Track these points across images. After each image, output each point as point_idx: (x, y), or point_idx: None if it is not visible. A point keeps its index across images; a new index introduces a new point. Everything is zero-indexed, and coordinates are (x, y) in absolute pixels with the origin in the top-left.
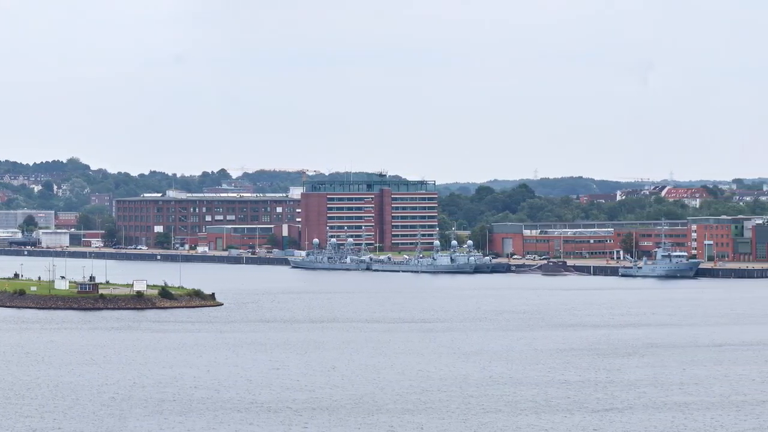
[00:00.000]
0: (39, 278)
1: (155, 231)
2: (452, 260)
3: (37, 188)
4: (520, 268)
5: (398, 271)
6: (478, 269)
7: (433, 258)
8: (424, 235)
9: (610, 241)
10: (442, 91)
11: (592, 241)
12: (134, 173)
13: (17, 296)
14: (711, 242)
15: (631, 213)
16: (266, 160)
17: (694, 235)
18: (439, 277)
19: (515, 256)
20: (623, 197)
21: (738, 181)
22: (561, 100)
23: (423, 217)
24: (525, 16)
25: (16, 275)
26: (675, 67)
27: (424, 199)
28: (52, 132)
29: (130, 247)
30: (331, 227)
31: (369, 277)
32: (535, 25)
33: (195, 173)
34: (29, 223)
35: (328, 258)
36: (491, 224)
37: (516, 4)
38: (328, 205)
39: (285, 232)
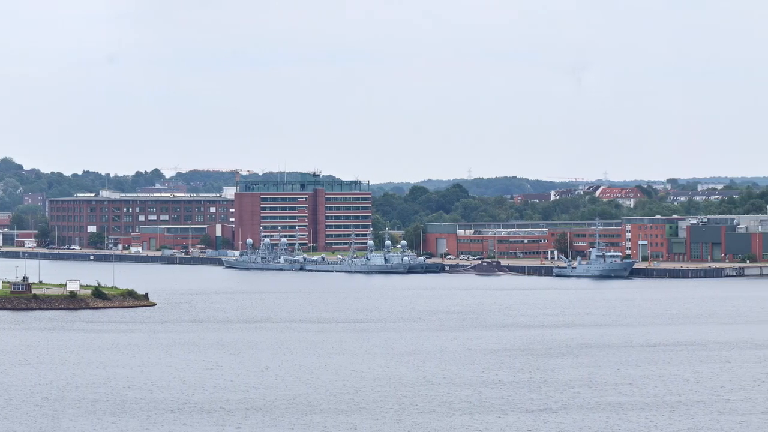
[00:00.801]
0: None
1: (88, 231)
2: (386, 260)
3: None
4: (454, 268)
5: (332, 272)
6: (411, 269)
7: (367, 258)
8: (357, 235)
9: (544, 241)
10: (376, 91)
11: (526, 241)
12: (67, 173)
13: None
14: (645, 242)
15: (566, 213)
16: (200, 160)
17: (628, 235)
18: (373, 277)
19: (449, 256)
20: (557, 197)
21: (672, 181)
22: (495, 100)
23: (357, 217)
24: (460, 16)
25: None
26: (610, 68)
27: (357, 199)
28: None
29: (63, 247)
30: (265, 227)
31: (303, 277)
32: (470, 25)
33: (128, 173)
34: None
35: (262, 258)
36: (425, 224)
37: (452, 4)
38: (261, 205)
39: (218, 232)
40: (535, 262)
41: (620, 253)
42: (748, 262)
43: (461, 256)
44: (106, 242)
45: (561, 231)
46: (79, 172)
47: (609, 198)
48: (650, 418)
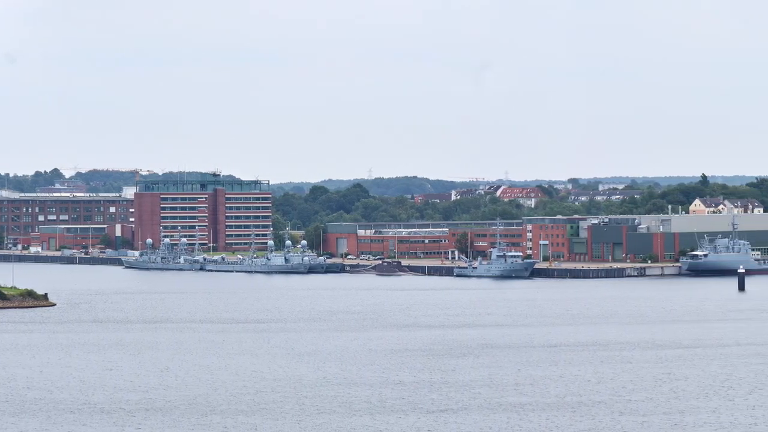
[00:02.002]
0: None
1: None
2: (286, 260)
3: None
4: (355, 268)
5: (232, 272)
6: (312, 269)
7: (267, 258)
8: (258, 235)
9: (444, 241)
10: (276, 90)
11: (426, 241)
12: None
13: None
14: (546, 242)
15: (466, 213)
16: (100, 160)
17: (529, 235)
18: (273, 277)
19: (349, 256)
20: (458, 197)
21: (573, 181)
22: (396, 99)
23: (257, 217)
24: (361, 16)
25: None
26: (511, 67)
27: (258, 198)
28: None
29: None
30: (165, 227)
31: (203, 277)
32: (370, 24)
33: (27, 173)
34: None
35: (162, 258)
36: (325, 224)
37: (352, 4)
38: (161, 205)
39: (118, 232)
40: (436, 262)
41: (521, 253)
42: (649, 262)
43: (362, 256)
44: (5, 242)
45: (462, 231)
46: None
47: (510, 198)
48: (551, 418)
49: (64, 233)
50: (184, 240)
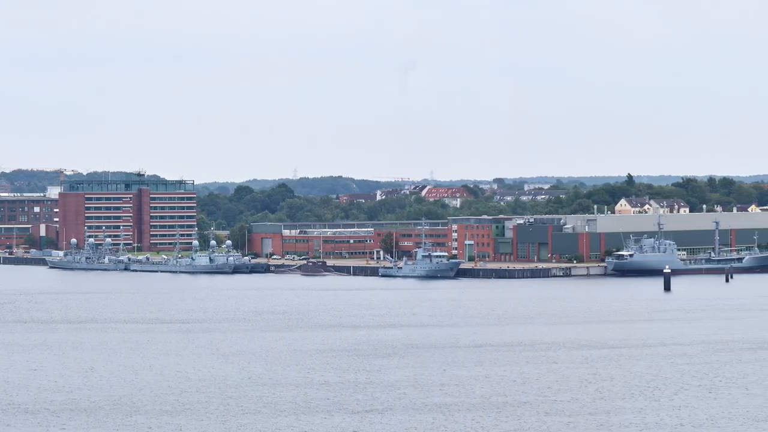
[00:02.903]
0: None
1: None
2: (211, 260)
3: None
4: (280, 269)
5: (156, 272)
6: (237, 269)
7: (192, 258)
8: (182, 235)
9: (370, 241)
10: (202, 89)
11: (352, 241)
12: None
13: None
14: (472, 242)
15: (392, 213)
16: (24, 160)
17: (454, 235)
18: (198, 277)
19: (274, 256)
20: (383, 197)
21: (499, 181)
22: (321, 99)
23: (182, 217)
24: (289, 15)
25: None
26: (436, 67)
27: (182, 198)
28: None
29: None
30: (89, 227)
31: (127, 277)
32: (296, 24)
33: None
34: None
35: (86, 258)
36: (250, 224)
37: (277, 3)
38: (86, 205)
39: (42, 232)
40: (361, 262)
41: (446, 253)
42: (575, 262)
43: (287, 256)
44: None
45: (387, 231)
46: None
47: (435, 198)
48: (476, 419)
49: None
50: (108, 240)
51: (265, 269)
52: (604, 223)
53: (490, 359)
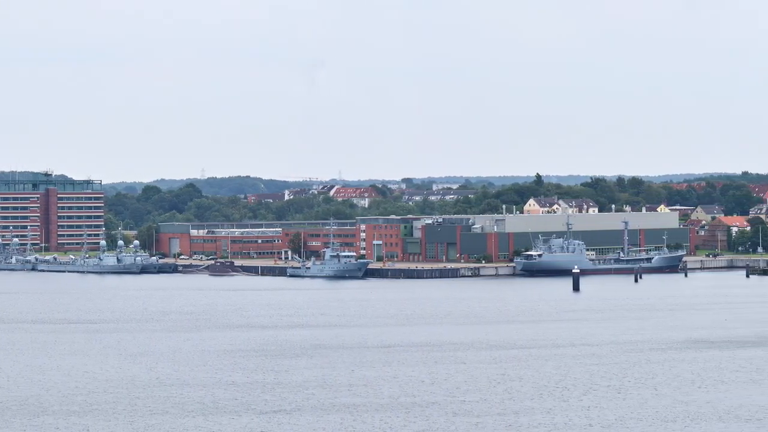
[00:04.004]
0: None
1: None
2: (119, 260)
3: None
4: (187, 269)
5: (64, 272)
6: (144, 269)
7: (100, 258)
8: (90, 235)
9: (278, 241)
10: (108, 89)
11: (259, 241)
12: None
13: None
14: (380, 242)
15: (300, 213)
16: None
17: (363, 234)
18: (106, 277)
19: (182, 256)
20: (291, 197)
21: (407, 181)
22: (229, 99)
23: (89, 217)
24: (196, 14)
25: None
26: (344, 67)
27: (90, 198)
28: None
29: None
30: None
31: (34, 277)
32: (204, 23)
33: None
34: None
35: None
36: (158, 224)
37: (186, 3)
38: None
39: None
40: (269, 262)
41: (355, 253)
42: (483, 262)
43: (194, 256)
44: None
45: (295, 231)
46: None
47: (343, 198)
48: (385, 419)
49: None
50: (15, 240)
51: (173, 269)
52: (513, 223)
53: (399, 359)
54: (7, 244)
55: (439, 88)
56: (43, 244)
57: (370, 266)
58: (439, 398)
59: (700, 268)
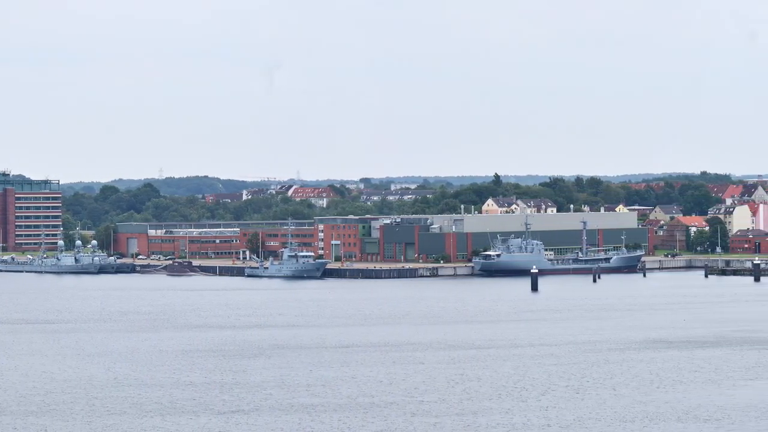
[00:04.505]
0: None
1: None
2: (77, 260)
3: None
4: (145, 269)
5: (22, 272)
6: (102, 269)
7: (58, 258)
8: (48, 235)
9: (236, 241)
10: (66, 89)
11: (218, 241)
12: None
13: None
14: (338, 242)
15: (258, 213)
16: None
17: (321, 234)
18: (64, 277)
19: (140, 256)
20: (249, 197)
21: (365, 181)
22: (187, 99)
23: (47, 217)
24: (154, 15)
25: None
26: (302, 67)
27: (48, 198)
28: None
29: None
30: None
31: None
32: (162, 23)
33: None
34: None
35: None
36: (116, 224)
37: (145, 3)
38: None
39: None
40: (227, 263)
41: (313, 253)
42: (441, 262)
43: (152, 256)
44: None
45: (253, 231)
46: None
47: (302, 197)
48: (343, 419)
49: None
50: None
51: (131, 269)
52: (471, 223)
53: (357, 360)
54: None
55: (397, 88)
56: (0, 245)
57: (329, 266)
58: (398, 398)
59: (659, 268)
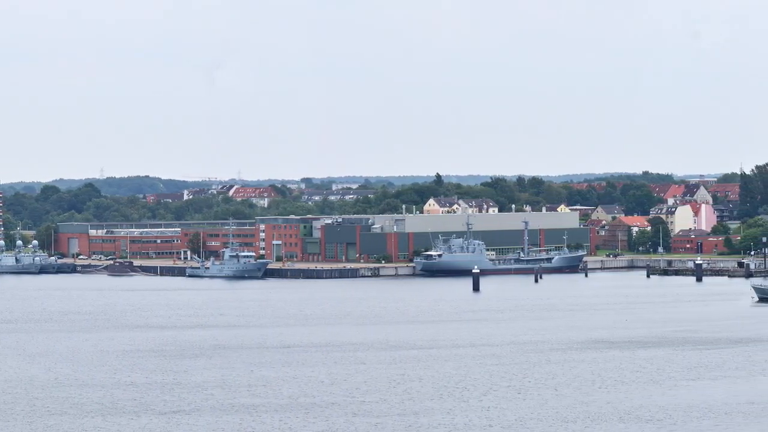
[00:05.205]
0: None
1: None
2: (17, 260)
3: None
4: (86, 269)
5: None
6: (43, 269)
7: None
8: None
9: (177, 241)
10: (6, 88)
11: (159, 241)
12: None
13: None
14: (279, 242)
15: (199, 213)
16: None
17: (262, 235)
18: (4, 277)
19: (81, 257)
20: (191, 197)
21: (307, 181)
22: (128, 98)
23: None
24: (95, 14)
25: None
26: (244, 67)
27: None
28: None
29: None
30: None
31: None
32: (104, 22)
33: None
34: None
35: None
36: (57, 224)
37: (87, 2)
38: None
39: None
40: (168, 263)
41: (254, 253)
42: (383, 262)
43: (93, 257)
44: None
45: (194, 231)
46: None
47: (243, 197)
48: (284, 419)
49: None
50: None
51: (72, 269)
52: (413, 222)
53: (298, 360)
54: None
55: (338, 88)
56: None
57: (270, 266)
58: (339, 399)
59: (601, 268)
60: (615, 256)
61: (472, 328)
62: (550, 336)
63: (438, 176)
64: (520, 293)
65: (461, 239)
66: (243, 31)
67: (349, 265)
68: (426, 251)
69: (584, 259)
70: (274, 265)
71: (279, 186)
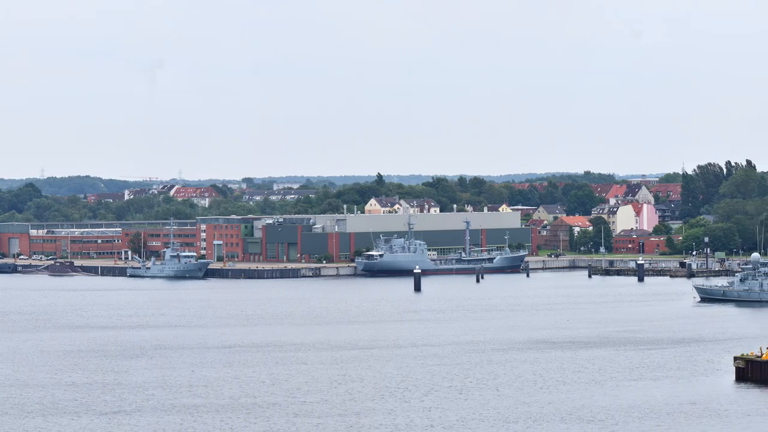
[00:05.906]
0: None
1: None
2: None
3: None
4: (27, 269)
5: None
6: None
7: None
8: None
9: (118, 241)
10: None
11: (100, 241)
12: None
13: None
14: (220, 242)
15: (140, 213)
16: None
17: (203, 235)
18: None
19: (22, 257)
20: (131, 196)
21: (248, 180)
22: (68, 98)
23: None
24: (33, 14)
25: None
26: (184, 66)
27: None
28: None
29: None
30: None
31: None
32: (42, 22)
33: None
34: None
35: None
36: None
37: (25, 1)
38: None
39: None
40: (109, 263)
41: (195, 254)
42: (324, 262)
43: (34, 257)
44: None
45: (135, 231)
46: None
47: (184, 197)
48: (226, 420)
49: None
50: None
51: (12, 269)
52: (354, 222)
53: (240, 360)
54: None
55: (279, 88)
56: None
57: (211, 266)
58: (280, 399)
59: (542, 268)
60: (557, 256)
61: (413, 328)
62: (492, 336)
63: (379, 176)
64: (462, 293)
65: (402, 239)
66: (184, 31)
67: (290, 265)
68: (367, 251)
69: (526, 259)
70: (215, 265)
71: (220, 186)
